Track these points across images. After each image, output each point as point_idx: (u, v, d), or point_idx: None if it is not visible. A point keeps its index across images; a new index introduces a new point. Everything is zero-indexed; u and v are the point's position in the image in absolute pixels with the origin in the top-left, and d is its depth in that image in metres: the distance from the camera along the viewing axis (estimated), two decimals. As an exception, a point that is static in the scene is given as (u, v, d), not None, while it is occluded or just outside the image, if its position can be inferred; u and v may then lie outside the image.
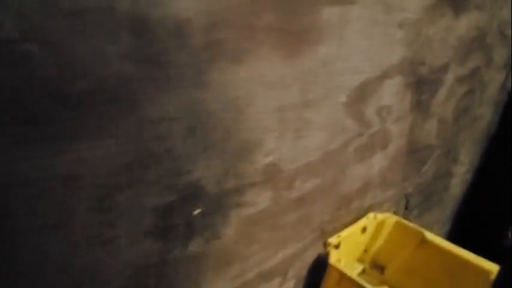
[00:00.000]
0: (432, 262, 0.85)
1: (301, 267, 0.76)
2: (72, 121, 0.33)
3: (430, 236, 0.86)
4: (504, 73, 1.57)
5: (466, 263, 0.80)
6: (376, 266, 0.92)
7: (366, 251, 0.93)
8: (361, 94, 0.73)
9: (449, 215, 1.60)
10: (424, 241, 0.86)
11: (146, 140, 0.40)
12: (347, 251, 0.84)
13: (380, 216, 0.91)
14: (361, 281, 0.70)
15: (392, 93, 0.84)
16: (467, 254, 0.81)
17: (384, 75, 0.78)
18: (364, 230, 0.89)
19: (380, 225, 0.91)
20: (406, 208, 1.14)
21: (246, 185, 0.54)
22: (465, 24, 1.09)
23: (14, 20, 0.28)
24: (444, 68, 1.06)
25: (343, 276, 0.72)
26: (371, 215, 0.90)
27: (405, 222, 0.90)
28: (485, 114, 1.55)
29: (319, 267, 0.80)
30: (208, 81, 0.44)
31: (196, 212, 0.48)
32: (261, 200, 0.58)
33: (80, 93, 0.33)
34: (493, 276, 0.76)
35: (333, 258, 0.75)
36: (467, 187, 1.66)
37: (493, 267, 0.77)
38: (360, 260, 0.93)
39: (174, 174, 0.44)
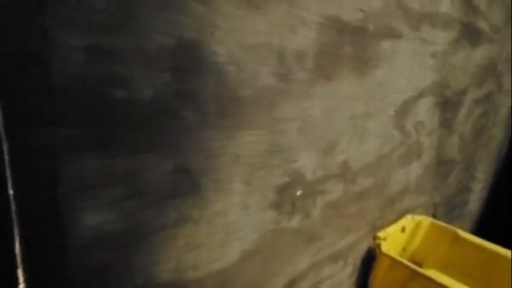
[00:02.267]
0: (465, 257, 0.97)
1: (357, 256, 0.90)
2: (238, 116, 0.49)
3: (462, 233, 0.99)
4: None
5: (495, 255, 0.93)
6: (415, 263, 1.05)
7: (404, 249, 1.06)
8: (404, 110, 0.89)
9: (468, 229, 1.72)
10: (457, 238, 0.99)
11: (275, 132, 0.55)
12: (390, 247, 0.97)
13: (417, 217, 1.05)
14: (410, 264, 0.83)
15: (425, 111, 1.00)
16: (496, 247, 0.94)
17: (420, 95, 0.95)
18: (403, 229, 1.02)
19: (417, 225, 1.05)
20: (434, 216, 1.27)
21: (328, 176, 0.69)
22: (480, 54, 1.26)
23: (224, 51, 0.44)
24: (464, 91, 1.22)
25: (394, 261, 0.86)
26: (409, 216, 1.04)
27: (439, 222, 1.04)
28: (498, 135, 1.71)
29: (369, 258, 0.93)
30: (312, 94, 0.60)
31: (298, 193, 0.63)
32: (336, 189, 0.73)
33: (244, 97, 0.49)
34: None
35: (384, 248, 0.88)
36: (483, 203, 1.79)
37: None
38: (401, 258, 1.05)
39: (289, 161, 0.59)
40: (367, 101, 0.74)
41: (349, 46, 0.65)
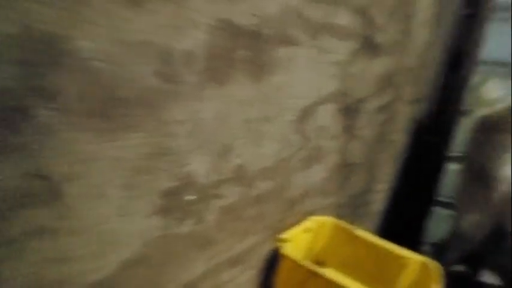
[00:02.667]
0: (361, 254, 1.04)
1: (258, 259, 0.91)
2: (119, 118, 0.46)
3: (359, 232, 1.06)
4: (412, 106, 1.91)
5: (387, 252, 1.00)
6: (318, 262, 1.09)
7: (310, 250, 1.10)
8: (304, 115, 0.92)
9: (372, 227, 1.85)
10: (354, 237, 1.05)
11: (163, 135, 0.53)
12: (294, 248, 0.99)
13: (320, 218, 1.09)
14: (308, 263, 0.86)
15: (327, 117, 1.05)
16: (388, 244, 1.02)
17: (321, 102, 0.99)
18: (307, 230, 1.06)
19: (320, 226, 1.10)
20: (339, 216, 1.34)
21: (223, 180, 0.69)
22: (378, 65, 1.37)
23: (94, 47, 0.41)
24: (364, 99, 1.31)
25: (293, 262, 0.88)
26: (313, 217, 1.08)
27: (340, 222, 1.10)
28: (398, 141, 1.87)
29: (273, 260, 0.94)
30: (203, 96, 0.59)
31: (190, 197, 0.61)
32: (231, 193, 0.72)
33: (125, 98, 0.47)
34: (408, 260, 0.97)
35: (285, 249, 0.90)
36: (386, 203, 1.94)
37: (408, 254, 0.98)
38: (305, 258, 1.09)
39: (179, 165, 0.57)
40: (263, 105, 0.76)
41: (243, 50, 0.65)
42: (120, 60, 0.44)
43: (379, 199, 1.82)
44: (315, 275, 0.85)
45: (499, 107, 1.72)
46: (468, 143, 1.80)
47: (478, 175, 1.72)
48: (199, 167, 0.62)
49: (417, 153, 2.09)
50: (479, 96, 1.82)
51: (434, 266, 0.93)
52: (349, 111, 1.21)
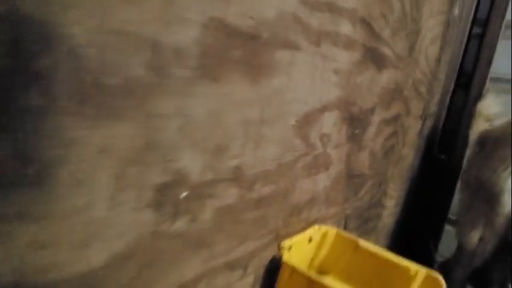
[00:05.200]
0: (365, 265, 1.01)
1: (259, 266, 0.89)
2: (104, 105, 0.47)
3: (362, 242, 1.03)
4: (421, 122, 1.89)
5: (391, 263, 0.97)
6: (322, 272, 1.07)
7: (312, 259, 1.07)
8: (307, 121, 0.92)
9: (382, 242, 1.80)
10: (357, 247, 1.03)
11: (151, 128, 0.54)
12: (296, 257, 0.97)
13: (323, 227, 1.07)
14: (308, 272, 0.84)
15: (331, 124, 1.05)
16: (391, 255, 0.99)
17: (324, 109, 0.99)
18: (310, 239, 1.04)
19: (324, 236, 1.07)
20: (344, 228, 1.32)
21: (218, 180, 0.68)
22: (386, 78, 1.37)
23: (82, 32, 0.43)
24: (371, 110, 1.31)
25: (294, 270, 0.86)
26: (316, 226, 1.06)
27: (344, 232, 1.07)
28: (408, 155, 1.84)
29: (274, 268, 0.92)
30: (194, 92, 0.59)
31: (183, 195, 0.61)
32: (229, 194, 0.72)
33: (111, 86, 0.47)
34: (412, 272, 0.94)
35: (286, 257, 0.89)
36: (397, 219, 1.90)
37: (412, 266, 0.95)
38: (308, 267, 1.06)
39: (168, 159, 0.57)
40: (263, 107, 0.76)
41: (239, 51, 0.66)
42: (108, 48, 0.46)
43: (388, 214, 1.77)
44: (317, 284, 0.83)
45: (499, 122, 1.70)
46: (468, 158, 1.78)
47: (480, 191, 1.67)
48: (191, 164, 0.62)
49: (427, 170, 2.05)
50: (478, 112, 1.80)
51: (439, 278, 0.89)
52: (355, 121, 1.20)
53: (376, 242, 1.74)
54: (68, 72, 0.42)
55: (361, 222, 1.47)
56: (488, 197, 1.64)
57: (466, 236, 1.73)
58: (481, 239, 1.69)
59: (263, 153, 0.79)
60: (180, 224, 0.63)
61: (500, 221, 1.61)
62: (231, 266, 0.78)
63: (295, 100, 0.86)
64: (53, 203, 0.44)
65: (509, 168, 1.59)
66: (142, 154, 0.53)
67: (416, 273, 0.92)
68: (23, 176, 0.40)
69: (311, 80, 0.91)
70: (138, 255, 0.57)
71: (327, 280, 0.84)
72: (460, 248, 1.76)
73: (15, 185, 0.40)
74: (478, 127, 1.77)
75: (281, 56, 0.77)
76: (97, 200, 0.49)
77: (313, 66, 0.90)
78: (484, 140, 1.72)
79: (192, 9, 0.55)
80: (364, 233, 1.54)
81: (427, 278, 0.91)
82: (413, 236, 2.03)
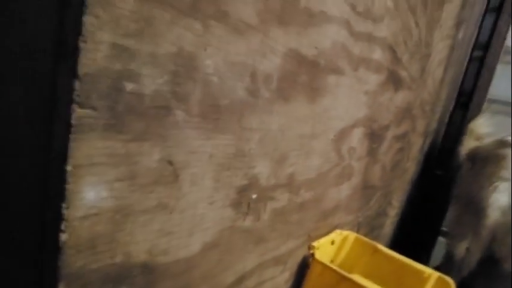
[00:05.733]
0: (382, 267, 1.12)
1: (294, 262, 0.99)
2: (216, 121, 0.57)
3: (381, 247, 1.15)
4: (423, 139, 2.03)
5: (407, 266, 1.09)
6: (341, 273, 1.17)
7: (332, 261, 1.18)
8: (341, 135, 1.04)
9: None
10: (376, 251, 1.14)
11: (241, 139, 0.64)
12: (321, 257, 1.08)
13: (344, 232, 1.18)
14: (338, 269, 0.95)
15: (357, 139, 1.16)
16: (407, 259, 1.11)
17: (354, 125, 1.11)
18: (332, 242, 1.15)
19: (344, 239, 1.18)
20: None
21: (278, 185, 0.79)
22: (400, 98, 1.49)
23: (212, 64, 0.53)
24: (387, 127, 1.43)
25: (325, 267, 0.97)
26: (338, 231, 1.17)
27: (362, 237, 1.19)
28: (410, 169, 1.97)
29: (303, 265, 1.03)
30: (272, 110, 0.70)
31: (254, 196, 0.71)
32: (283, 198, 0.82)
33: (222, 105, 0.58)
34: (426, 275, 1.06)
35: (317, 255, 0.99)
36: (395, 228, 2.03)
37: (425, 269, 1.07)
38: (329, 267, 1.17)
39: (249, 166, 0.68)
40: (314, 123, 0.87)
41: (304, 75, 0.77)
42: (225, 75, 0.56)
43: (389, 224, 1.90)
44: (345, 279, 0.94)
45: (488, 140, 1.85)
46: (459, 174, 1.93)
47: (468, 204, 1.83)
48: (262, 170, 0.72)
49: (424, 184, 2.19)
50: (470, 130, 1.95)
51: (450, 281, 1.02)
52: (374, 136, 1.32)
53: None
54: (199, 95, 0.52)
55: (369, 229, 1.59)
56: (476, 211, 1.79)
57: (455, 247, 1.88)
58: (468, 250, 1.84)
59: (310, 163, 0.90)
60: (249, 222, 0.73)
61: (486, 233, 1.76)
62: (276, 261, 0.89)
63: (336, 117, 0.98)
64: (178, 198, 0.54)
65: (496, 184, 1.75)
66: (233, 161, 0.64)
67: (429, 276, 1.04)
68: (164, 175, 0.50)
69: (348, 100, 1.02)
70: (220, 246, 0.67)
71: (354, 276, 0.95)
72: (449, 258, 1.91)
73: (159, 182, 0.50)
74: (469, 145, 1.93)
75: (332, 80, 0.88)
76: (202, 197, 0.59)
77: (351, 88, 1.02)
78: (474, 157, 1.88)
79: (279, 41, 0.66)
80: (372, 239, 1.66)
81: (439, 281, 1.03)
82: (409, 245, 2.17)
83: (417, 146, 1.98)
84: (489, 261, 1.83)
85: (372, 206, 1.55)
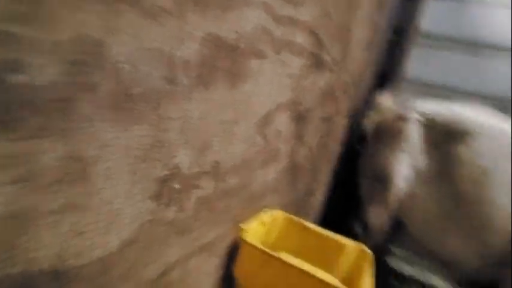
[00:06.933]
0: (310, 243, 1.18)
1: (222, 248, 1.00)
2: (130, 111, 0.54)
3: (308, 224, 1.20)
4: (347, 119, 2.14)
5: (331, 240, 1.16)
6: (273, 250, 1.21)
7: (263, 242, 1.21)
8: (266, 120, 1.05)
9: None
10: (304, 228, 1.20)
11: (160, 129, 0.61)
12: (252, 238, 1.10)
13: (274, 212, 1.22)
14: (265, 249, 0.98)
15: (283, 122, 1.19)
16: (332, 234, 1.18)
17: (278, 109, 1.12)
18: (262, 223, 1.18)
19: (274, 220, 1.22)
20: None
21: (202, 173, 0.78)
22: (323, 81, 1.55)
23: (124, 51, 0.49)
24: (312, 110, 1.48)
25: (253, 248, 0.99)
26: (267, 211, 1.20)
27: (291, 216, 1.23)
28: (335, 150, 2.08)
29: (234, 250, 1.04)
30: (193, 97, 0.68)
31: (177, 186, 0.69)
32: (208, 186, 0.82)
33: (136, 94, 0.54)
34: (347, 246, 1.14)
35: (245, 237, 1.01)
36: (324, 204, 2.14)
37: (347, 241, 1.15)
38: (260, 248, 1.20)
39: (169, 156, 0.65)
40: (235, 109, 0.86)
41: (225, 60, 0.76)
42: (139, 63, 0.53)
43: (318, 201, 2.00)
44: (273, 258, 0.97)
45: (390, 114, 2.03)
46: (366, 146, 2.11)
47: (376, 176, 2.02)
48: (184, 159, 0.71)
49: (349, 160, 2.33)
50: (375, 106, 2.13)
51: (369, 252, 1.10)
52: (300, 119, 1.36)
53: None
54: (109, 85, 0.49)
55: (297, 209, 1.65)
56: (383, 181, 1.97)
57: (368, 215, 2.07)
58: (378, 217, 2.02)
59: (234, 149, 0.90)
60: (171, 213, 0.71)
61: (393, 199, 1.95)
62: (202, 250, 0.88)
63: (259, 102, 0.98)
64: (91, 195, 0.50)
65: (397, 156, 1.93)
66: (151, 152, 0.61)
67: (350, 248, 1.12)
68: (71, 173, 0.46)
69: (271, 83, 1.03)
70: (140, 241, 0.64)
71: (281, 255, 0.98)
72: (364, 226, 2.09)
73: (65, 181, 0.46)
74: (373, 119, 2.09)
75: (253, 64, 0.88)
76: (118, 192, 0.55)
77: (274, 72, 1.03)
78: (377, 131, 2.05)
79: (197, 26, 0.63)
80: (301, 217, 1.73)
81: (357, 250, 1.12)
82: (336, 219, 2.31)
83: (341, 127, 2.09)
84: (398, 226, 2.04)
85: (300, 187, 1.61)
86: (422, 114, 1.91)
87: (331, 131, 1.86)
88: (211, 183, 0.83)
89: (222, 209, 0.94)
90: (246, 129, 0.95)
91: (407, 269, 2.40)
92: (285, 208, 1.46)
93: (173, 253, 0.77)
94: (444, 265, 1.95)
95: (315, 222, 2.07)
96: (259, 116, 1.01)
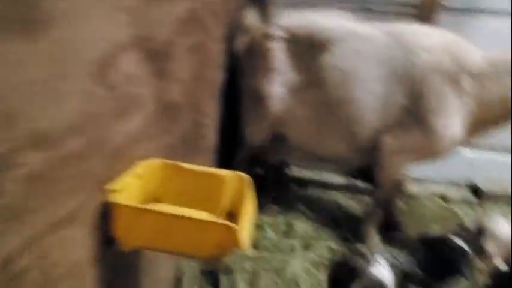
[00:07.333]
0: (188, 184, 1.16)
1: (89, 216, 0.92)
2: None
3: (183, 164, 1.16)
4: (221, 44, 2.04)
5: (208, 175, 1.15)
6: (156, 200, 1.17)
7: (145, 193, 1.15)
8: (104, 66, 0.92)
9: (207, 159, 2.02)
10: (180, 170, 1.16)
11: None
12: (127, 195, 1.03)
13: (149, 162, 1.15)
14: (133, 204, 0.93)
15: (131, 64, 1.06)
16: (208, 169, 1.17)
17: (120, 50, 0.99)
18: (137, 176, 1.11)
19: (152, 169, 1.15)
20: (173, 156, 1.43)
21: (19, 148, 0.66)
22: (182, 8, 1.41)
23: None
24: (170, 42, 1.35)
25: (122, 207, 0.93)
26: (140, 162, 1.13)
27: (168, 161, 1.18)
28: (216, 77, 2.01)
29: (106, 212, 0.98)
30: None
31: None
32: (33, 160, 0.70)
33: None
34: (225, 177, 1.14)
35: (114, 198, 0.94)
36: (216, 132, 2.12)
37: (223, 172, 1.15)
38: (142, 202, 1.14)
39: None
40: (49, 64, 0.73)
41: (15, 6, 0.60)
42: None
43: (208, 132, 1.97)
44: (146, 211, 0.93)
45: (256, 33, 2.04)
46: (241, 67, 2.09)
47: (251, 95, 2.09)
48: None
49: (232, 85, 2.28)
50: (243, 26, 2.08)
51: (246, 177, 1.12)
52: (157, 55, 1.24)
53: (203, 160, 1.95)
54: None
55: (186, 146, 1.61)
56: (258, 100, 2.05)
57: (245, 132, 2.19)
58: (255, 133, 2.15)
59: (61, 109, 0.78)
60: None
61: (269, 117, 2.04)
62: (59, 225, 0.80)
63: (86, 48, 0.84)
64: None
65: (268, 74, 1.98)
66: None
67: (228, 177, 1.13)
68: None
69: (98, 24, 0.89)
70: None
71: (155, 206, 0.95)
72: (241, 138, 2.21)
73: None
74: (242, 39, 2.07)
75: (60, 5, 0.73)
76: None
77: (102, 9, 0.88)
78: (247, 50, 2.04)
79: None
80: (192, 155, 1.70)
81: (235, 178, 1.13)
82: (230, 147, 2.32)
83: (217, 53, 1.99)
84: (276, 139, 2.16)
85: (181, 125, 1.54)
86: (285, 30, 1.91)
87: (204, 60, 1.77)
88: (37, 156, 0.72)
89: (74, 177, 0.84)
90: (74, 83, 0.82)
91: (304, 173, 2.62)
92: (167, 152, 1.40)
93: (11, 241, 0.68)
94: (328, 162, 2.16)
95: (213, 152, 2.08)
96: (91, 64, 0.87)
